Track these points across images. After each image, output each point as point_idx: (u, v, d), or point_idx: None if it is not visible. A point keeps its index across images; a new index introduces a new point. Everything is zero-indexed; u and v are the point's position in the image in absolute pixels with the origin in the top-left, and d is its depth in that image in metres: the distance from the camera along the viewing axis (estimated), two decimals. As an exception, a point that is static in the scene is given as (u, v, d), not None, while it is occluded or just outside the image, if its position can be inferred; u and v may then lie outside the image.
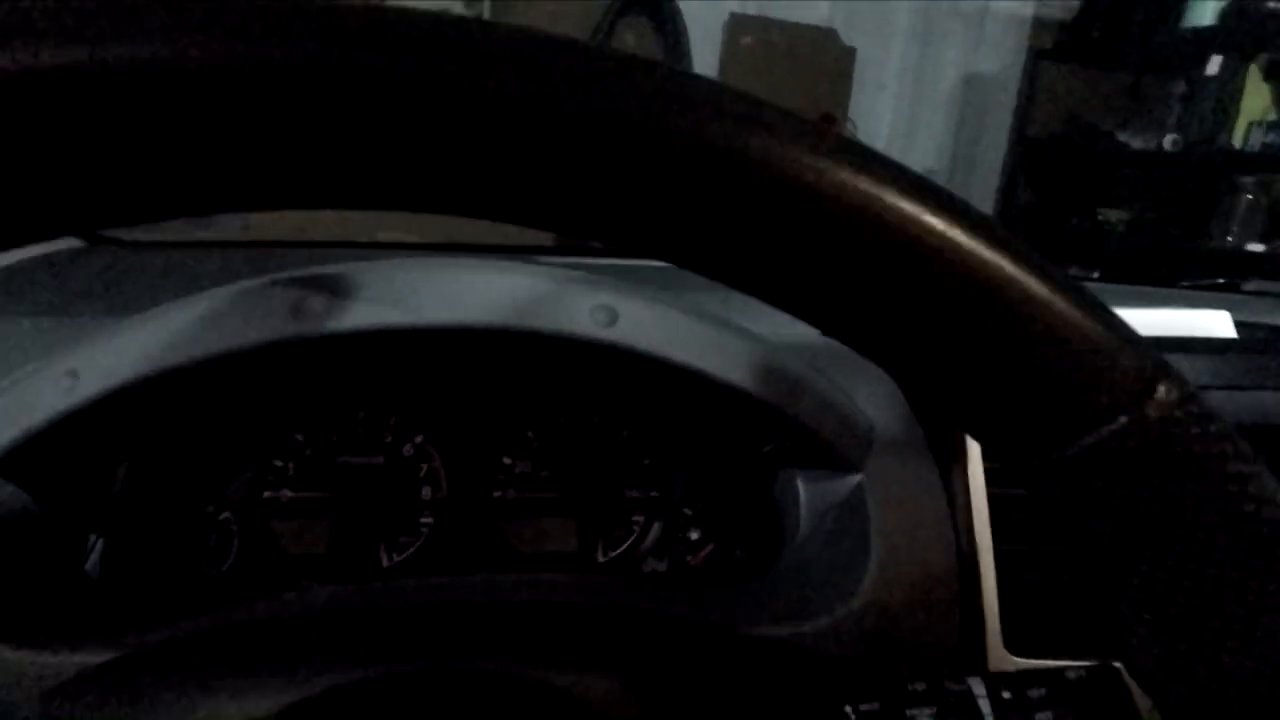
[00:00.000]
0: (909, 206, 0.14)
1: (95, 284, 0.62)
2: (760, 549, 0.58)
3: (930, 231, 0.14)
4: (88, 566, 0.49)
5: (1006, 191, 2.82)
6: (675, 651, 0.38)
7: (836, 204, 0.14)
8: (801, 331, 0.71)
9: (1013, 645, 0.45)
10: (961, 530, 0.47)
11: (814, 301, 0.16)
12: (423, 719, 0.28)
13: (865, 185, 0.14)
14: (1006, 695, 0.30)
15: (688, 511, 0.62)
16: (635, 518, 0.61)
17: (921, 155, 2.74)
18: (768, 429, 0.49)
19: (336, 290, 0.40)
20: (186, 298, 0.40)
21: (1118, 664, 0.38)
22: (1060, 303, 0.15)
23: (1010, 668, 0.45)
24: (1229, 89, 2.48)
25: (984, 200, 2.72)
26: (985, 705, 0.30)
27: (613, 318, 0.42)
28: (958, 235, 0.15)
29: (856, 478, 0.48)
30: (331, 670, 0.32)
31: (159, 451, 0.53)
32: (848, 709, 0.33)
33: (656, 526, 0.61)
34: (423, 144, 0.14)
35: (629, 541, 0.61)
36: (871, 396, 0.51)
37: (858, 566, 0.46)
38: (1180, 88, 2.58)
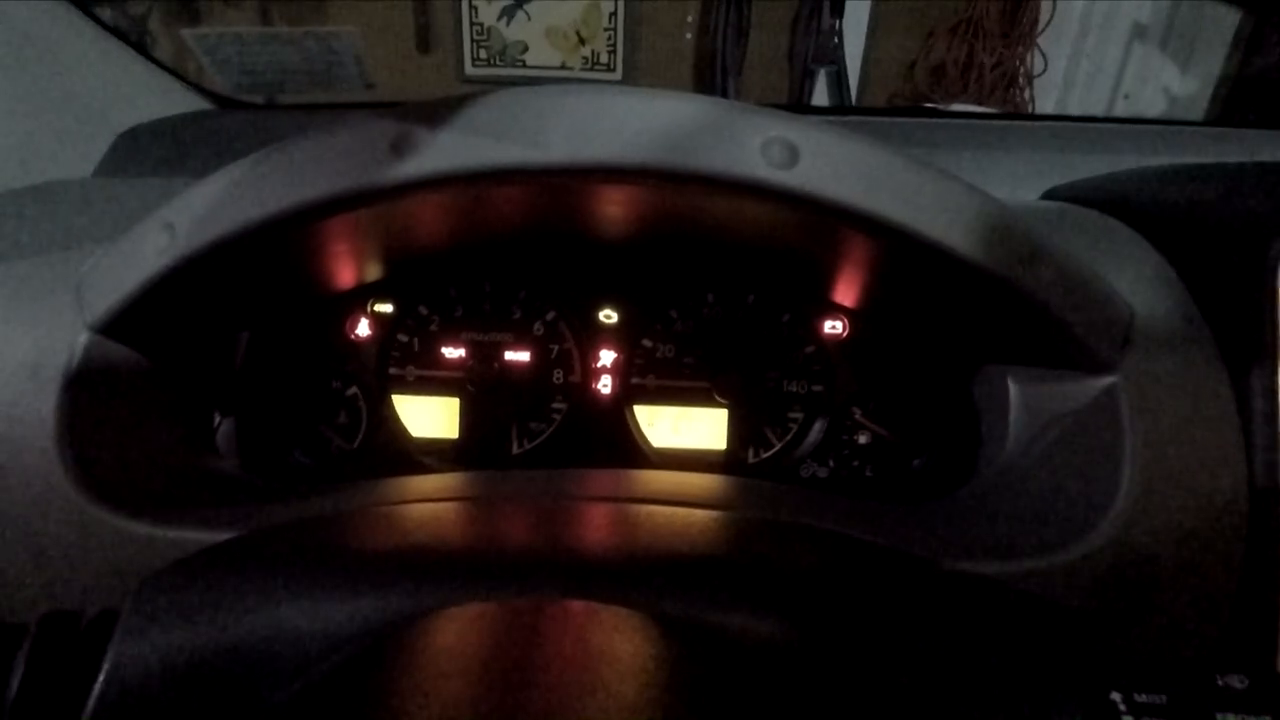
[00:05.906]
0: None
1: (219, 143, 0.58)
2: (947, 461, 0.48)
3: None
4: (220, 441, 0.47)
5: (1249, 46, 2.30)
6: (853, 584, 0.30)
7: None
8: (1027, 197, 0.57)
9: (1319, 611, 0.34)
10: (1260, 454, 0.34)
11: None
12: (544, 655, 0.22)
13: None
14: None
15: (856, 410, 0.52)
16: (793, 414, 0.52)
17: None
18: (988, 309, 0.37)
19: (445, 122, 0.32)
20: (280, 142, 0.34)
21: None
22: None
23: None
24: None
25: (1212, 59, 2.24)
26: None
27: (792, 156, 0.31)
28: None
29: (1106, 380, 0.36)
30: (447, 583, 0.26)
31: (277, 318, 0.49)
32: (1115, 697, 0.23)
33: (818, 425, 0.52)
34: None
35: (785, 441, 0.52)
36: (1132, 275, 0.38)
37: (1099, 494, 0.35)
38: None
